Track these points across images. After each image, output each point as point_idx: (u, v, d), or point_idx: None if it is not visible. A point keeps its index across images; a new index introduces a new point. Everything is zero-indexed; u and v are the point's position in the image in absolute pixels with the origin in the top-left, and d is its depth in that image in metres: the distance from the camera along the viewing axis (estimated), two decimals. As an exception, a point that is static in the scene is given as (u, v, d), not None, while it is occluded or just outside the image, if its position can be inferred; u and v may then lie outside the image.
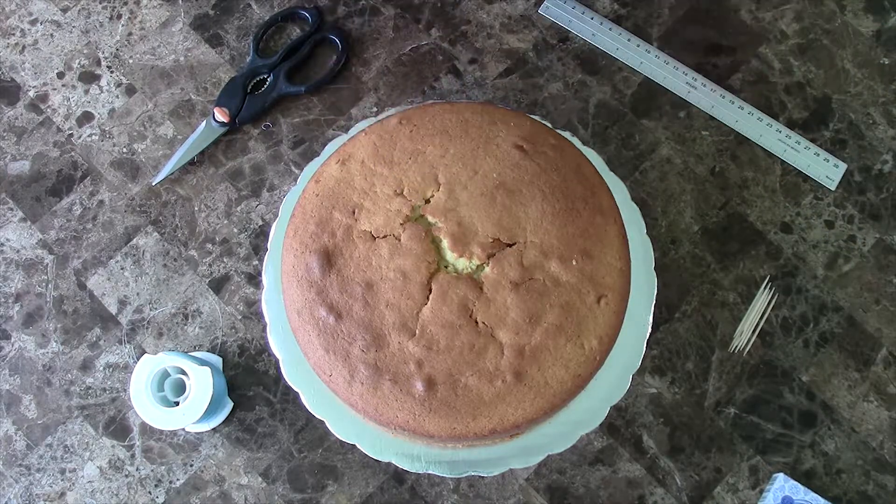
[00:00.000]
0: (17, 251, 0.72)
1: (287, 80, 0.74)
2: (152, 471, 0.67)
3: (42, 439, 0.68)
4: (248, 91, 0.74)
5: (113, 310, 0.70)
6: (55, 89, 0.75)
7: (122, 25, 0.77)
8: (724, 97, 0.75)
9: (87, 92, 0.75)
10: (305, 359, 0.61)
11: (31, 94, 0.75)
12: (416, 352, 0.58)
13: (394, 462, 0.63)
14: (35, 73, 0.76)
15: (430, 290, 0.59)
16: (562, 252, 0.59)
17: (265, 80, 0.75)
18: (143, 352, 0.69)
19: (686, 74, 0.76)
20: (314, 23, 0.76)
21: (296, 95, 0.75)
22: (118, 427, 0.68)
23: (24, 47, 0.76)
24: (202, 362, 0.64)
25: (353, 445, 0.64)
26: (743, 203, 0.73)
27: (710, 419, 0.69)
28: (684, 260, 0.72)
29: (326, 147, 0.70)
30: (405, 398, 0.58)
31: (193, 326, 0.70)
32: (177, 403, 0.63)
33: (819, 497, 0.65)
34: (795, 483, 0.65)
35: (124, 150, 0.74)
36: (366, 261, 0.59)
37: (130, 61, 0.76)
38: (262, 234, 0.72)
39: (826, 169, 0.74)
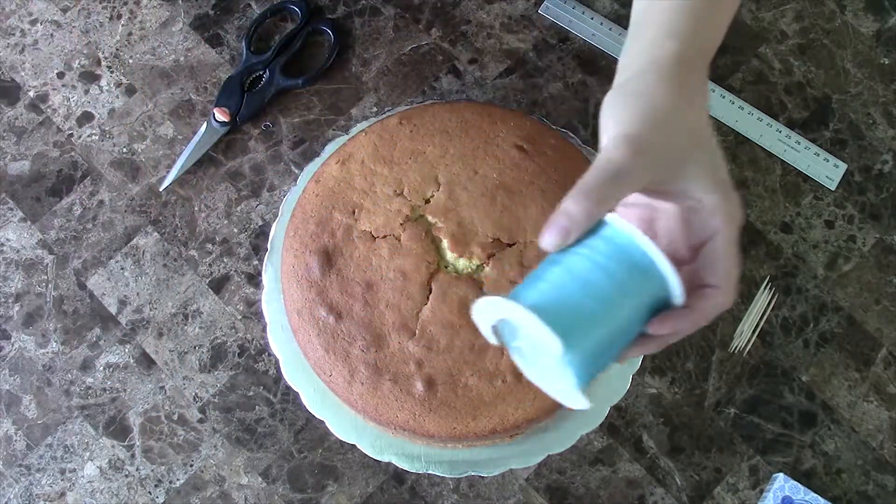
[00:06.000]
0: (17, 251, 0.72)
1: (283, 74, 0.74)
2: (152, 471, 0.67)
3: (42, 439, 0.68)
4: (246, 89, 0.74)
5: (113, 310, 0.70)
6: (55, 89, 0.75)
7: (122, 25, 0.77)
8: (724, 97, 0.75)
9: (87, 92, 0.75)
10: (305, 359, 0.61)
11: (31, 94, 0.75)
12: (416, 352, 0.58)
13: (394, 462, 0.63)
14: (35, 73, 0.76)
15: (430, 290, 0.59)
16: (562, 252, 0.59)
17: (261, 76, 0.75)
18: (143, 352, 0.69)
19: (686, 74, 0.76)
20: (303, 15, 0.76)
21: (295, 92, 0.75)
22: (118, 427, 0.68)
23: (24, 47, 0.76)
24: None
25: (353, 445, 0.64)
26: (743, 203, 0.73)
27: (710, 419, 0.68)
28: (684, 260, 0.72)
29: (326, 147, 0.70)
30: (405, 398, 0.58)
31: (193, 326, 0.70)
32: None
33: (819, 497, 0.65)
34: (795, 483, 0.65)
35: (124, 150, 0.74)
36: (366, 261, 0.59)
37: (130, 61, 0.76)
38: (262, 234, 0.72)
39: (826, 169, 0.74)
